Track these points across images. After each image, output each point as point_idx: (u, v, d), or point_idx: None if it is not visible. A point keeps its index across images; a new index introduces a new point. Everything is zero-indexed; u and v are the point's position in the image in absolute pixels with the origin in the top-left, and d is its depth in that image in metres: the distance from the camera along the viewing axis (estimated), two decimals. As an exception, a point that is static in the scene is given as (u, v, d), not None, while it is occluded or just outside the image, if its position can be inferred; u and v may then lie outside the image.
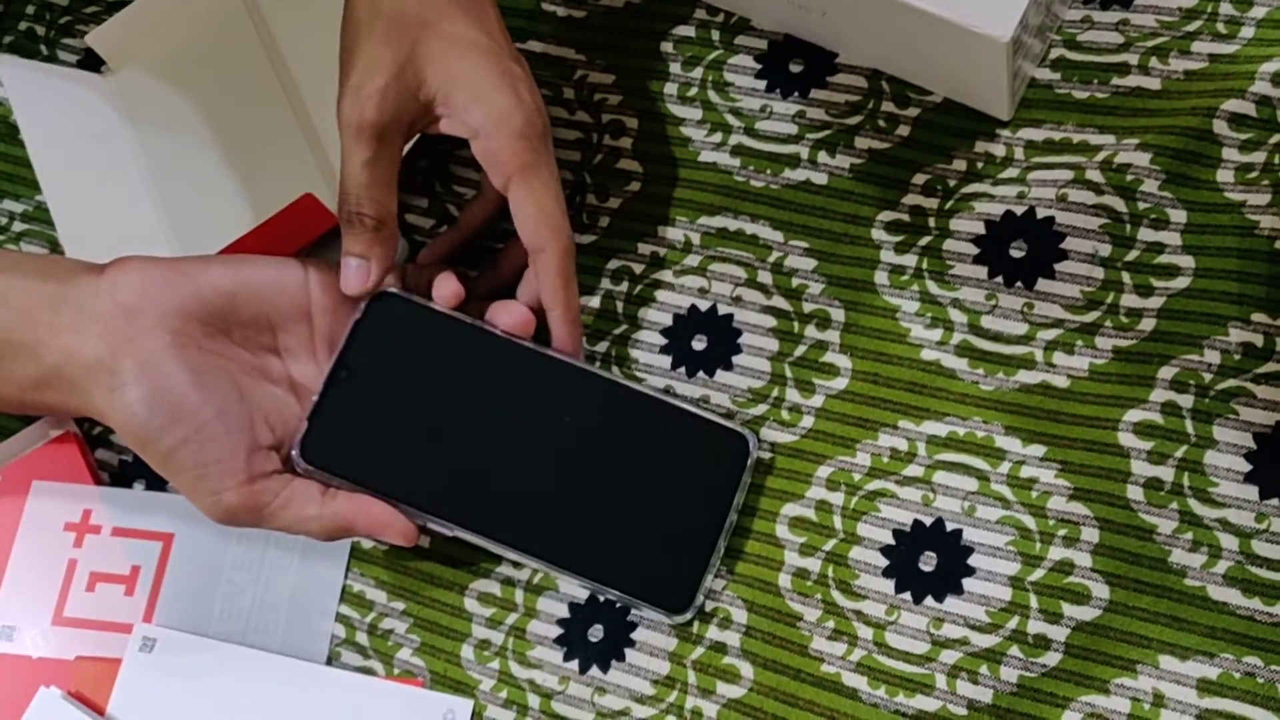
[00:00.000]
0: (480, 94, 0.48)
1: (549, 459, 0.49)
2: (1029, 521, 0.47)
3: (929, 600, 0.47)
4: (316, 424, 0.49)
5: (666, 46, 0.57)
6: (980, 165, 0.51)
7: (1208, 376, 0.47)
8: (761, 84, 0.55)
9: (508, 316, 0.50)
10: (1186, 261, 0.48)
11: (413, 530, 0.48)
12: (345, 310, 0.50)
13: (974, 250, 0.51)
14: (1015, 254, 0.50)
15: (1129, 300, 0.48)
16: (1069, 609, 0.46)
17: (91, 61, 0.63)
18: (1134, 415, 0.47)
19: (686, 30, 0.57)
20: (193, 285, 0.48)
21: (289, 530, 0.48)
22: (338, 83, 0.49)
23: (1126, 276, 0.49)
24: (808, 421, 0.51)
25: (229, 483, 0.46)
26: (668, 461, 0.48)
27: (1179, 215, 0.49)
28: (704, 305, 0.53)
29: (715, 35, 0.56)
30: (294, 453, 0.48)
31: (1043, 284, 0.49)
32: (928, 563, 0.48)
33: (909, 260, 0.51)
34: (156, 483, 0.56)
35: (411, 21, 0.48)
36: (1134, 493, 0.46)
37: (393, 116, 0.48)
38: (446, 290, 0.50)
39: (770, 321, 0.52)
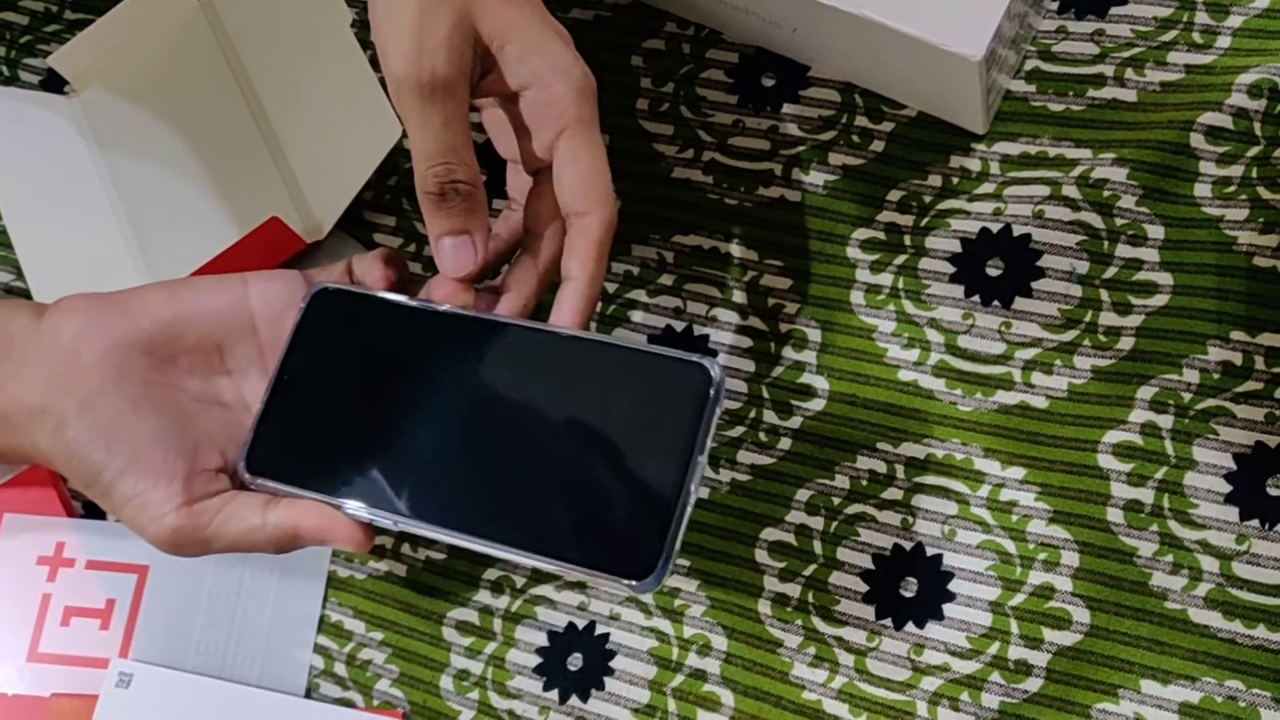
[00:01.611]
0: (538, 44, 0.45)
1: (493, 432, 0.44)
2: (1009, 545, 0.47)
3: (910, 626, 0.47)
4: (260, 434, 0.46)
5: (637, 60, 0.56)
6: (956, 181, 0.51)
7: (1187, 396, 0.46)
8: (733, 98, 0.54)
9: (444, 288, 0.46)
10: (1165, 278, 0.48)
11: (361, 534, 0.45)
12: (290, 317, 0.48)
13: (950, 269, 0.50)
14: (992, 272, 0.49)
15: (1107, 318, 0.48)
16: (1050, 634, 0.45)
17: (54, 83, 0.62)
18: (1113, 436, 0.47)
19: (657, 44, 0.56)
20: (130, 318, 0.47)
21: (237, 548, 0.46)
22: (381, 48, 0.44)
23: (1105, 294, 0.48)
24: (785, 444, 0.50)
25: (167, 507, 0.45)
26: (622, 412, 0.42)
27: (1156, 231, 0.48)
28: (679, 325, 0.52)
29: (686, 49, 0.55)
30: (239, 466, 0.46)
31: (1020, 302, 0.49)
32: (908, 588, 0.47)
33: (885, 279, 0.51)
34: (130, 514, 0.55)
35: None
36: (1114, 515, 0.46)
37: (460, 69, 0.43)
38: (376, 274, 0.47)
39: (746, 342, 0.52)
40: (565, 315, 0.44)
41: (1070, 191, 0.49)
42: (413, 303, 0.46)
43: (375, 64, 0.50)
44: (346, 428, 0.46)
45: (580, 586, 0.51)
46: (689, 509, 0.41)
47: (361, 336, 0.46)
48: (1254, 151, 0.47)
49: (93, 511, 0.56)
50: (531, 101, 0.45)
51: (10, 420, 0.46)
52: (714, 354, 0.52)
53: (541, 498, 0.42)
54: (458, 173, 0.44)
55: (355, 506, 0.44)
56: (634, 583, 0.40)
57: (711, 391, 0.41)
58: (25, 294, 0.58)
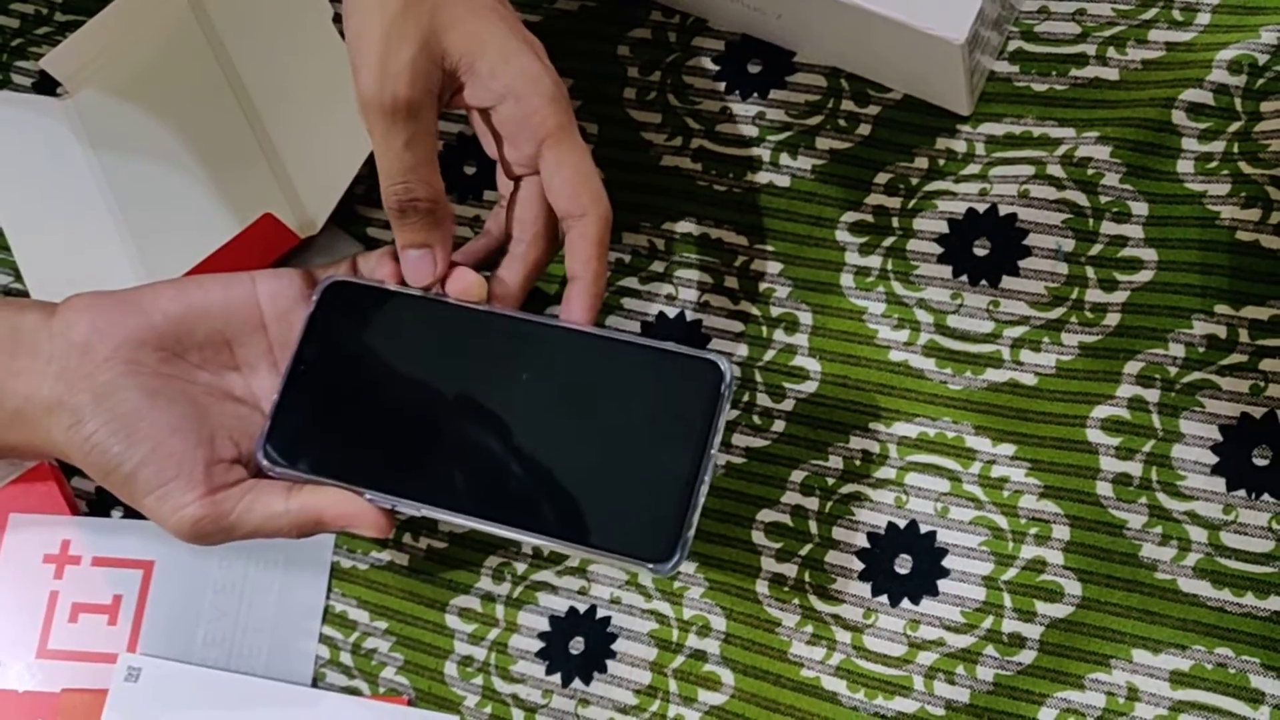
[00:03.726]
0: (506, 57, 0.46)
1: (513, 422, 0.46)
2: (1001, 521, 0.47)
3: (905, 603, 0.48)
4: (278, 422, 0.47)
5: (623, 50, 0.56)
6: (942, 162, 0.51)
7: (1173, 370, 0.47)
8: (720, 85, 0.55)
9: (458, 284, 0.47)
10: (1149, 254, 0.48)
11: (383, 519, 0.46)
12: (298, 314, 0.49)
13: (938, 249, 0.51)
14: (979, 252, 0.50)
15: (1093, 295, 0.48)
16: (1042, 607, 0.46)
17: (46, 85, 0.63)
18: (1101, 411, 0.47)
19: (643, 32, 0.56)
20: (142, 314, 0.47)
21: (260, 534, 0.47)
22: (352, 65, 0.46)
23: (1090, 271, 0.49)
24: (779, 426, 0.51)
25: (190, 497, 0.46)
26: (637, 404, 0.45)
27: (1140, 208, 0.49)
28: (672, 312, 0.53)
29: (672, 37, 0.56)
30: (258, 454, 0.47)
31: (1007, 281, 0.49)
32: (903, 565, 0.48)
33: (874, 261, 0.51)
34: (134, 510, 0.56)
35: None
36: (1103, 489, 0.47)
37: (424, 90, 0.45)
38: (385, 269, 0.48)
39: (738, 326, 0.52)
40: (575, 313, 0.46)
41: (1055, 170, 0.50)
42: (429, 296, 0.47)
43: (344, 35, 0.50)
44: (363, 417, 0.47)
45: (580, 572, 0.51)
46: (703, 497, 0.43)
47: (375, 328, 0.48)
48: (1235, 127, 0.48)
49: (97, 509, 0.57)
50: (507, 116, 0.46)
51: (25, 416, 0.46)
52: (708, 339, 0.52)
53: (562, 485, 0.44)
54: (416, 191, 0.45)
55: (382, 494, 0.46)
56: (655, 565, 0.43)
57: (723, 388, 0.43)
58: (24, 295, 0.59)
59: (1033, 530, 0.47)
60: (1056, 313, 0.49)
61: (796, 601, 0.49)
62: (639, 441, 0.44)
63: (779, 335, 0.52)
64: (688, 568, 0.50)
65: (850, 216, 0.52)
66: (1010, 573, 0.47)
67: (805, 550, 0.49)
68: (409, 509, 0.46)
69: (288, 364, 0.48)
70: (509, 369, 0.46)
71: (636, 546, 0.43)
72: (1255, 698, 0.44)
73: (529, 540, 0.45)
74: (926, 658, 0.47)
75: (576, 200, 0.45)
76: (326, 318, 0.48)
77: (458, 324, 0.47)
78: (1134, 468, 0.46)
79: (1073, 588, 0.46)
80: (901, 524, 0.48)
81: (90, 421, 0.46)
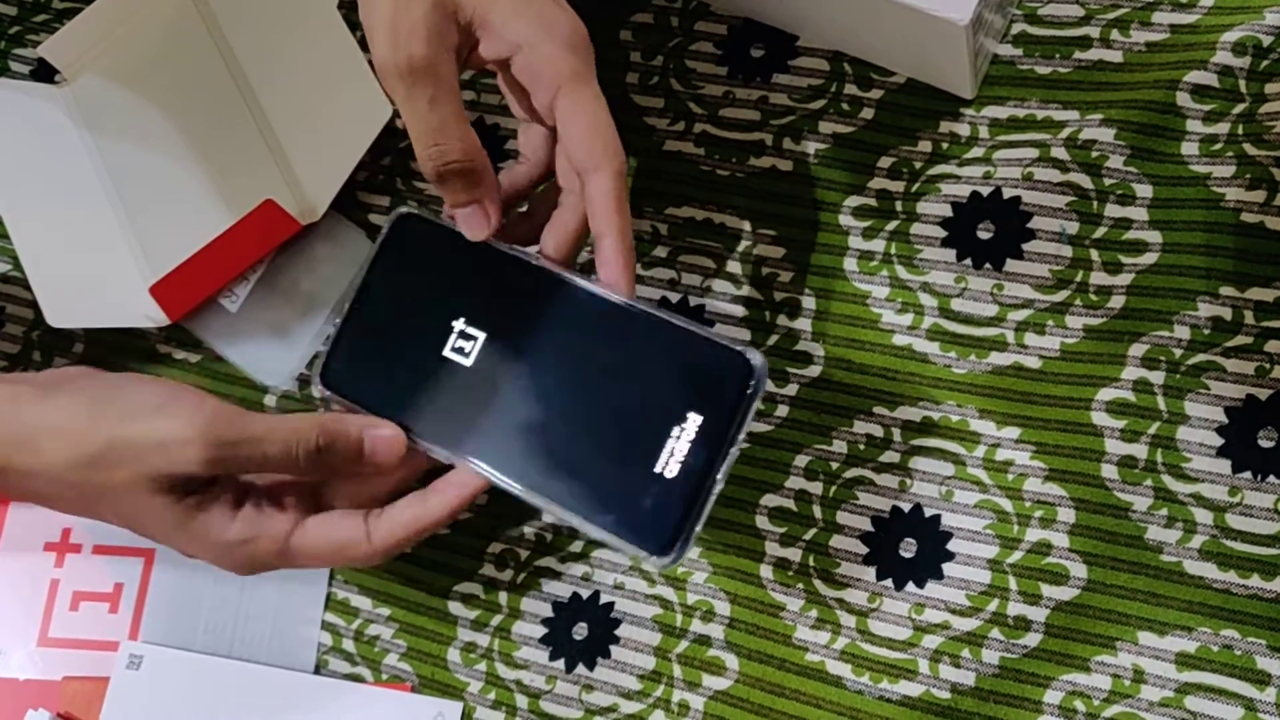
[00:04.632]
0: (520, 6, 0.44)
1: (545, 386, 0.46)
2: (1006, 504, 0.47)
3: (910, 586, 0.48)
4: (337, 349, 0.49)
5: (626, 35, 0.56)
6: (945, 146, 0.51)
7: (1178, 352, 0.47)
8: (723, 70, 0.55)
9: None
10: (1154, 237, 0.48)
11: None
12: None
13: (942, 233, 0.50)
14: (983, 235, 0.50)
15: (1098, 278, 0.48)
16: (1048, 589, 0.46)
17: (44, 72, 0.62)
18: (1106, 394, 0.47)
19: (645, 17, 0.56)
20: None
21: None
22: (368, 33, 0.44)
23: (1095, 254, 0.49)
24: (783, 410, 0.51)
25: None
26: (668, 388, 0.44)
27: (1145, 190, 0.48)
28: (675, 297, 0.53)
29: (675, 22, 0.56)
30: (315, 378, 0.49)
31: (1011, 264, 0.49)
32: (908, 549, 0.48)
33: (877, 245, 0.51)
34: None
35: None
36: (1108, 471, 0.47)
37: (440, 46, 0.44)
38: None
39: (741, 311, 0.52)
40: (611, 271, 0.44)
41: (1059, 153, 0.50)
42: (496, 245, 0.47)
43: (364, 45, 0.50)
44: (408, 356, 0.48)
45: (583, 557, 0.51)
46: (714, 496, 0.42)
47: (433, 268, 0.48)
48: (1239, 109, 0.48)
49: (97, 497, 0.56)
50: (524, 65, 0.45)
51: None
52: (710, 325, 0.52)
53: (580, 457, 0.44)
54: (450, 153, 0.44)
55: (413, 435, 0.47)
56: (653, 557, 0.42)
57: (751, 385, 0.42)
58: (23, 283, 0.58)
59: (1038, 513, 0.47)
60: (1061, 295, 0.49)
61: (801, 586, 0.49)
62: (662, 427, 0.43)
63: (782, 320, 0.51)
64: (691, 553, 0.50)
65: (853, 200, 0.52)
66: (1015, 556, 0.47)
67: (809, 535, 0.49)
68: (438, 454, 0.47)
69: (351, 291, 0.49)
70: (552, 331, 0.46)
71: (639, 535, 0.43)
72: (1261, 679, 0.43)
73: (540, 505, 0.45)
74: (931, 641, 0.47)
75: (590, 152, 0.44)
76: (392, 250, 0.49)
77: (510, 277, 0.47)
78: (1139, 450, 0.46)
79: (1078, 570, 0.46)
80: (906, 508, 0.48)
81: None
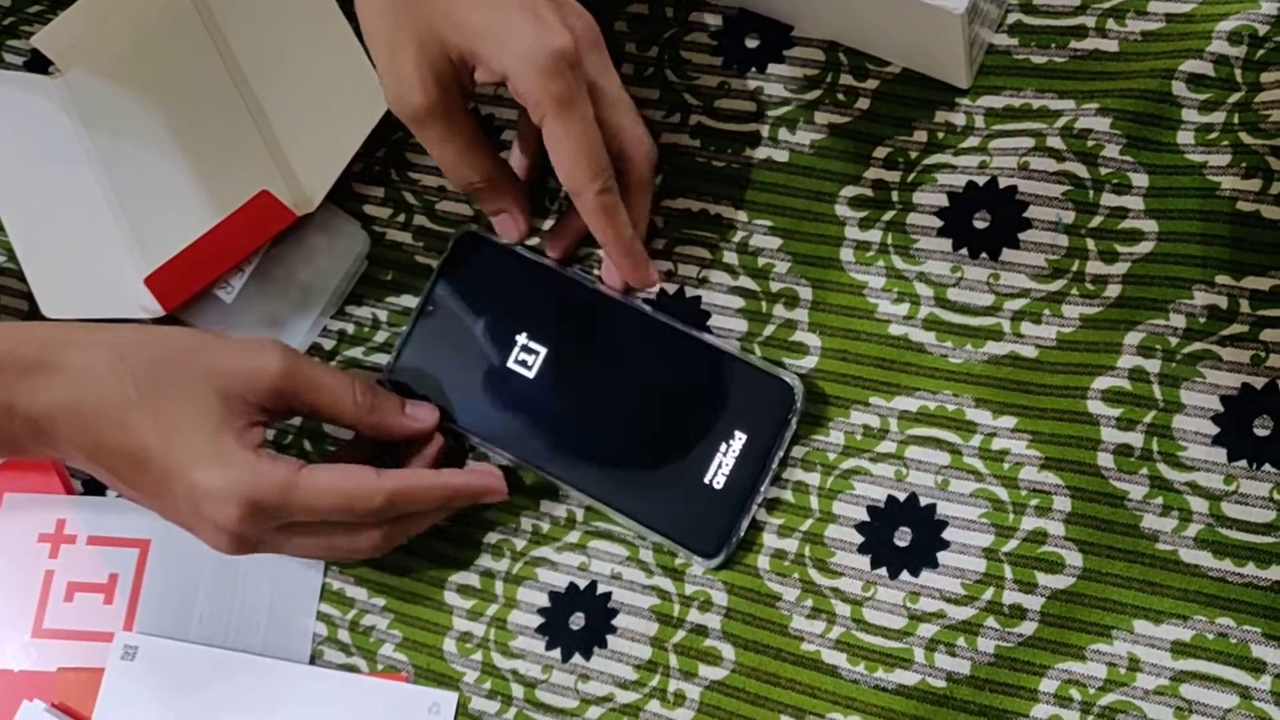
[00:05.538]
0: (502, 36, 0.46)
1: (602, 399, 0.51)
2: (1001, 493, 0.47)
3: (905, 575, 0.48)
4: (403, 355, 0.54)
5: (620, 26, 0.56)
6: (941, 135, 0.51)
7: (1174, 341, 0.47)
8: (718, 60, 0.55)
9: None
10: (1150, 226, 0.48)
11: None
12: None
13: (938, 223, 0.50)
14: (979, 225, 0.50)
15: (1094, 267, 0.48)
16: (1043, 578, 0.46)
17: (38, 63, 0.62)
18: (1102, 382, 0.47)
19: (640, 8, 0.56)
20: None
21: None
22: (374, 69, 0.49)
23: (1091, 243, 0.49)
24: (779, 401, 0.51)
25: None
26: (715, 408, 0.50)
27: (1141, 179, 0.49)
28: (671, 288, 0.53)
29: (669, 12, 0.56)
30: (385, 377, 0.54)
31: (1008, 254, 0.49)
32: (903, 538, 0.48)
33: (874, 235, 0.51)
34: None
35: None
36: (1104, 460, 0.47)
37: (439, 89, 0.48)
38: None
39: (738, 302, 0.52)
40: (613, 278, 0.52)
41: (1055, 143, 0.50)
42: (538, 260, 0.53)
43: (360, 35, 0.50)
44: (479, 365, 0.53)
45: (580, 548, 0.51)
46: (756, 506, 0.49)
47: (493, 284, 0.53)
48: (1235, 98, 0.48)
49: (92, 488, 0.56)
50: (514, 90, 0.47)
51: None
52: (707, 315, 0.52)
53: (638, 467, 0.50)
54: (469, 176, 0.51)
55: (479, 438, 0.52)
56: (704, 559, 0.49)
57: (792, 412, 0.49)
58: (18, 274, 0.58)
59: (1033, 502, 0.47)
60: (1057, 285, 0.49)
61: (796, 576, 0.49)
62: (712, 444, 0.49)
63: (779, 310, 0.51)
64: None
65: (849, 191, 0.52)
66: (1011, 544, 0.47)
67: (806, 525, 0.49)
68: (501, 457, 0.52)
69: (420, 301, 0.54)
70: (610, 350, 0.52)
71: (691, 539, 0.49)
72: (1257, 667, 0.44)
73: (602, 508, 0.50)
74: (927, 630, 0.47)
75: (570, 180, 0.48)
76: (455, 265, 0.54)
77: (570, 298, 0.52)
78: (1135, 439, 0.46)
79: (1074, 559, 0.46)
80: (901, 497, 0.48)
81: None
